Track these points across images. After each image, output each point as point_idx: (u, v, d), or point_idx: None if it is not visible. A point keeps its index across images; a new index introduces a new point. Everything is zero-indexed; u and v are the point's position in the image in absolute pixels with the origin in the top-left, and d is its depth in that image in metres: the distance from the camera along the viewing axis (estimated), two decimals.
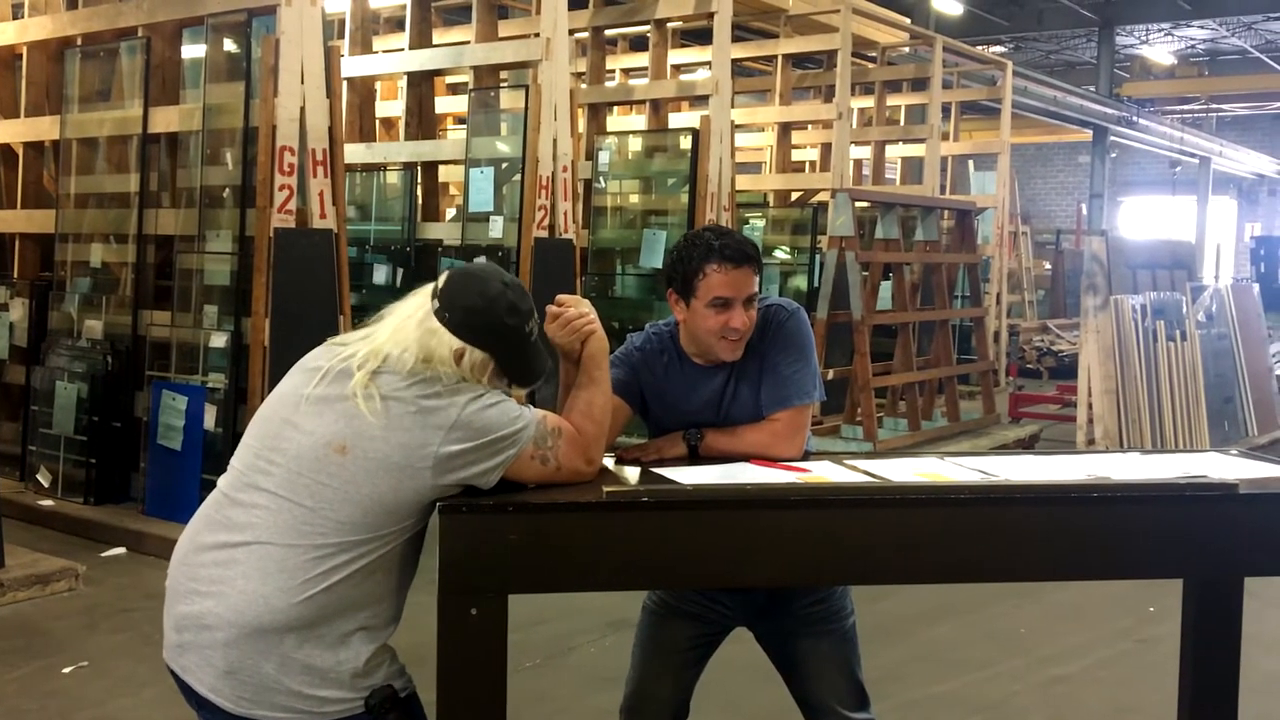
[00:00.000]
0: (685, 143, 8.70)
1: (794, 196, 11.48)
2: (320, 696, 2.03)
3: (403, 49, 8.56)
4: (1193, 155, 24.74)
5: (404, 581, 2.15)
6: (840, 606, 2.66)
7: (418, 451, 2.03)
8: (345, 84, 7.49)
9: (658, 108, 9.37)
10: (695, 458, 2.54)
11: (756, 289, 2.53)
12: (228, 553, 2.05)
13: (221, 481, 2.16)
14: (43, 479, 6.62)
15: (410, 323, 2.14)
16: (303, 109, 5.98)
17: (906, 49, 13.58)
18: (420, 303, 2.18)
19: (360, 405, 2.04)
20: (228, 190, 6.33)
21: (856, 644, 2.70)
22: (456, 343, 2.12)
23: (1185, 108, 25.82)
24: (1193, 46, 24.19)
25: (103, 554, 5.83)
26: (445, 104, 9.58)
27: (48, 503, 6.46)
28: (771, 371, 2.58)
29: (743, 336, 2.54)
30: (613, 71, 10.91)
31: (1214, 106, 26.17)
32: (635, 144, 9.36)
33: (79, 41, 7.09)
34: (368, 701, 2.05)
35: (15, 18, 7.72)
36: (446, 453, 2.04)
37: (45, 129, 7.27)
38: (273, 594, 2.00)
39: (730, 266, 2.49)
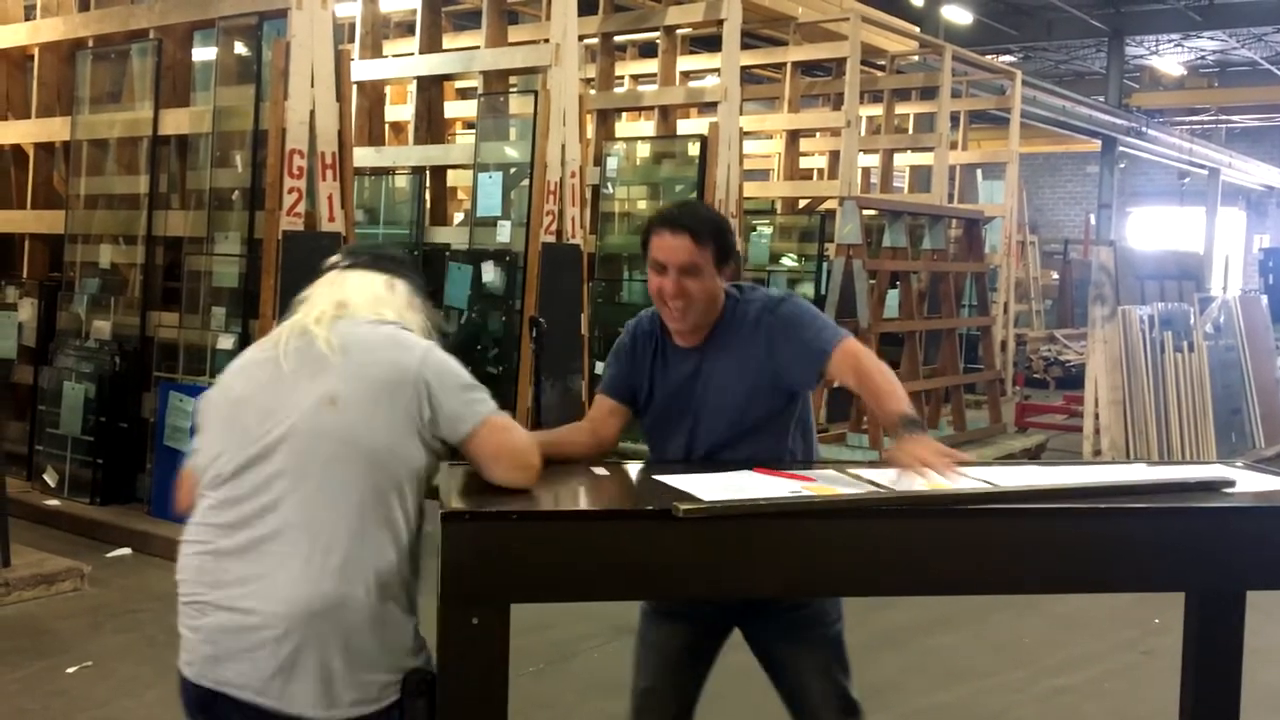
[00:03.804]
0: (693, 149, 8.72)
1: (802, 204, 11.49)
2: (371, 681, 2.00)
3: (413, 53, 8.59)
4: (1202, 166, 24.70)
5: (418, 551, 2.11)
6: (823, 613, 2.65)
7: (401, 367, 2.08)
8: (355, 88, 7.52)
9: (666, 114, 9.39)
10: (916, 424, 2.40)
11: (696, 263, 2.49)
12: (256, 550, 2.00)
13: (213, 493, 2.08)
14: (49, 479, 6.64)
15: (333, 287, 2.24)
16: (312, 112, 6.00)
17: (916, 58, 13.59)
18: (326, 279, 2.28)
19: (327, 349, 2.09)
20: (237, 193, 6.35)
21: (842, 651, 2.68)
22: (382, 275, 2.25)
23: (1195, 119, 25.78)
24: (1203, 57, 24.17)
25: (108, 554, 5.84)
26: (454, 109, 9.60)
27: (54, 503, 6.48)
28: (797, 346, 2.55)
29: (682, 307, 2.52)
30: (622, 78, 10.92)
31: (1223, 118, 26.12)
32: (644, 150, 9.38)
33: (90, 43, 7.12)
34: (404, 684, 2.03)
35: (27, 19, 7.76)
36: (427, 375, 2.08)
37: (56, 130, 7.31)
38: (317, 575, 1.97)
39: (666, 232, 2.51)
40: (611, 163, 9.02)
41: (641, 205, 9.33)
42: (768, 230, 10.80)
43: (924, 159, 12.83)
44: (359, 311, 2.17)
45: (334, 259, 2.33)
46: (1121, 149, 22.54)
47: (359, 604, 1.99)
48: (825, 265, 9.70)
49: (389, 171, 8.45)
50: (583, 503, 2.39)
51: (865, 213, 8.77)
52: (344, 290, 2.22)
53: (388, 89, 9.11)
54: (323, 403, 2.04)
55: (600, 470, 2.49)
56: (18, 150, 7.67)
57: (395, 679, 2.03)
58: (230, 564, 2.02)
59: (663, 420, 2.65)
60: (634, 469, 2.57)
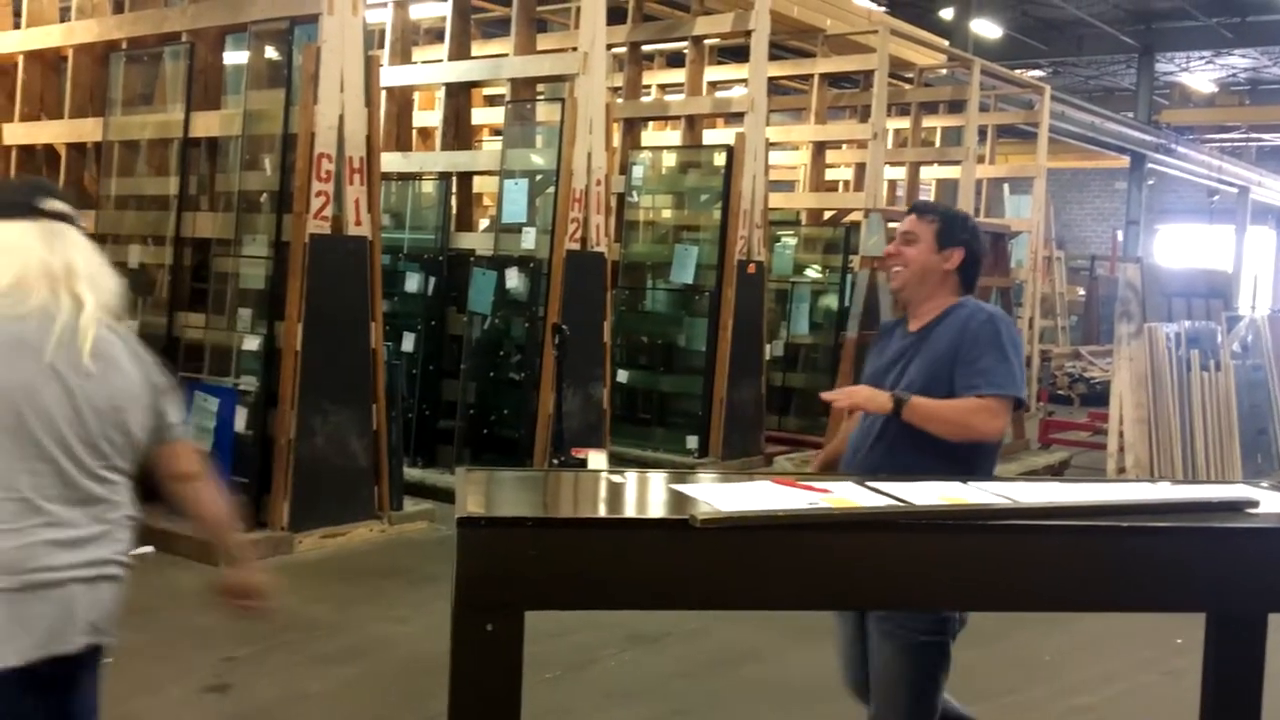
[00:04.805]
0: (719, 159, 8.72)
1: (827, 215, 11.46)
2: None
3: (441, 60, 8.63)
4: (1231, 184, 24.51)
5: None
6: (912, 616, 2.70)
7: (147, 382, 2.30)
8: (384, 93, 7.56)
9: (693, 124, 9.40)
10: (896, 414, 2.75)
11: (915, 231, 2.98)
12: (69, 528, 2.33)
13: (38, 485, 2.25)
14: None
15: (83, 277, 2.23)
16: (341, 117, 6.05)
17: (944, 71, 13.54)
18: (63, 250, 2.22)
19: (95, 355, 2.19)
20: (265, 195, 6.40)
21: (924, 664, 2.72)
22: (84, 238, 2.26)
23: (1225, 136, 25.59)
24: (1234, 75, 24.00)
25: (131, 552, 5.87)
26: (482, 115, 9.63)
27: None
28: (963, 363, 2.79)
29: (896, 269, 3.00)
30: (649, 87, 10.94)
31: (1254, 136, 25.91)
32: (669, 159, 9.39)
33: (124, 45, 7.19)
34: None
35: (62, 20, 7.84)
36: (158, 387, 2.32)
37: (88, 131, 7.38)
38: (117, 528, 2.42)
39: (909, 214, 3.08)
40: (637, 171, 9.04)
41: (666, 214, 9.34)
42: (792, 241, 10.78)
43: (951, 172, 12.79)
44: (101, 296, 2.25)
45: (55, 205, 2.25)
46: (1150, 165, 22.40)
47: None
48: (849, 277, 9.67)
49: (416, 177, 8.49)
50: (600, 510, 2.39)
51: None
52: (89, 283, 2.23)
53: (416, 95, 9.16)
54: (132, 408, 2.27)
55: (617, 477, 2.49)
56: (50, 150, 7.75)
57: None
58: (55, 549, 2.30)
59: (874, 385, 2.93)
60: (652, 477, 2.57)
